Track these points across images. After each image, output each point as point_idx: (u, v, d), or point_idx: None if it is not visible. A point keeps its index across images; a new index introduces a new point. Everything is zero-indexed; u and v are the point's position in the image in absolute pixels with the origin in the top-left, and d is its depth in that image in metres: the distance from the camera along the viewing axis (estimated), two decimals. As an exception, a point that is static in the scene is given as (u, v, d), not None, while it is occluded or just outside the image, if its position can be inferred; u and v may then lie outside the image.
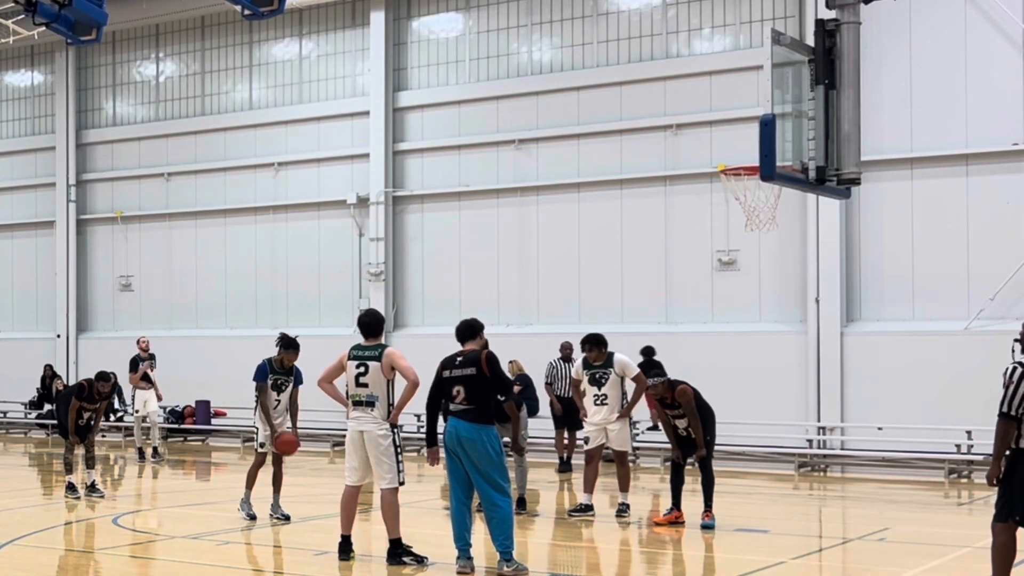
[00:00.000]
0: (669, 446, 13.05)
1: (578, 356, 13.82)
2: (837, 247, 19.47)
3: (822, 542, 12.90)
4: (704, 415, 12.37)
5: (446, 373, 9.86)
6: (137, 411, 20.29)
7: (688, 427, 12.36)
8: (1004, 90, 18.58)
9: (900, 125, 19.17)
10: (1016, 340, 8.33)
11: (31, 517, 13.69)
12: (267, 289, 25.36)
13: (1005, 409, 7.81)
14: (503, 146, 22.76)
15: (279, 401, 12.89)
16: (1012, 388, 7.79)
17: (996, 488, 7.99)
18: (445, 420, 9.89)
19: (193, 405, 24.74)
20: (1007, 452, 7.89)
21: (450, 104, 23.39)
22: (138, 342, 20.81)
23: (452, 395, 9.77)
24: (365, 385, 10.05)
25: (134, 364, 20.31)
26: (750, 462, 19.26)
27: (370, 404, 10.03)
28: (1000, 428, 7.86)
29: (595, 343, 12.92)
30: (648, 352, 19.03)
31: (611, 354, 12.93)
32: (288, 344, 12.78)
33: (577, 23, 22.17)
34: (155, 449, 20.19)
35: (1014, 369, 7.86)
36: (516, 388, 14.14)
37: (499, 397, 10.32)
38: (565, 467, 18.36)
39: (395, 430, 10.08)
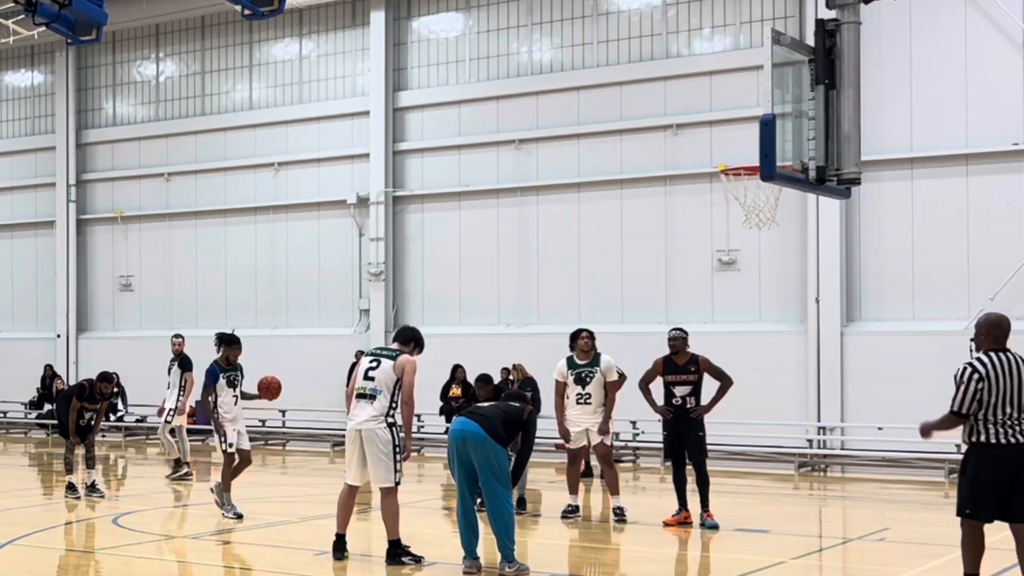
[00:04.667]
0: (665, 447, 12.98)
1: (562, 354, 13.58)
2: (837, 247, 19.47)
3: (822, 542, 12.90)
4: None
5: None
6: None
7: (688, 395, 12.35)
8: (1004, 90, 18.58)
9: (900, 125, 19.16)
10: (971, 340, 8.36)
11: (31, 517, 13.68)
12: (267, 289, 25.36)
13: (955, 408, 7.96)
14: (503, 146, 22.77)
15: (236, 397, 13.22)
16: (963, 388, 7.86)
17: (925, 438, 8.32)
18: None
19: (193, 405, 24.68)
20: (965, 445, 8.04)
21: (450, 104, 23.39)
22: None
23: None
24: (372, 379, 10.06)
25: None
26: (750, 462, 19.27)
27: (372, 397, 10.02)
28: (946, 421, 8.09)
29: (591, 335, 12.87)
30: None
31: (598, 354, 12.86)
32: (230, 341, 13.27)
33: (577, 23, 22.17)
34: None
35: (964, 369, 7.94)
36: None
37: (515, 404, 10.22)
38: (586, 472, 17.87)
39: (394, 428, 10.05)
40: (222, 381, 13.09)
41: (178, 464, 17.18)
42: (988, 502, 7.89)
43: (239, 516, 12.81)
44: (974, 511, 7.96)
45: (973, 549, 8.06)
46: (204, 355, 24.16)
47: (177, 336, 17.65)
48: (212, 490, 13.13)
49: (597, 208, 21.84)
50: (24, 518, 13.41)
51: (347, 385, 10.64)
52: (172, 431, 17.30)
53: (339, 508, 10.30)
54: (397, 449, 10.01)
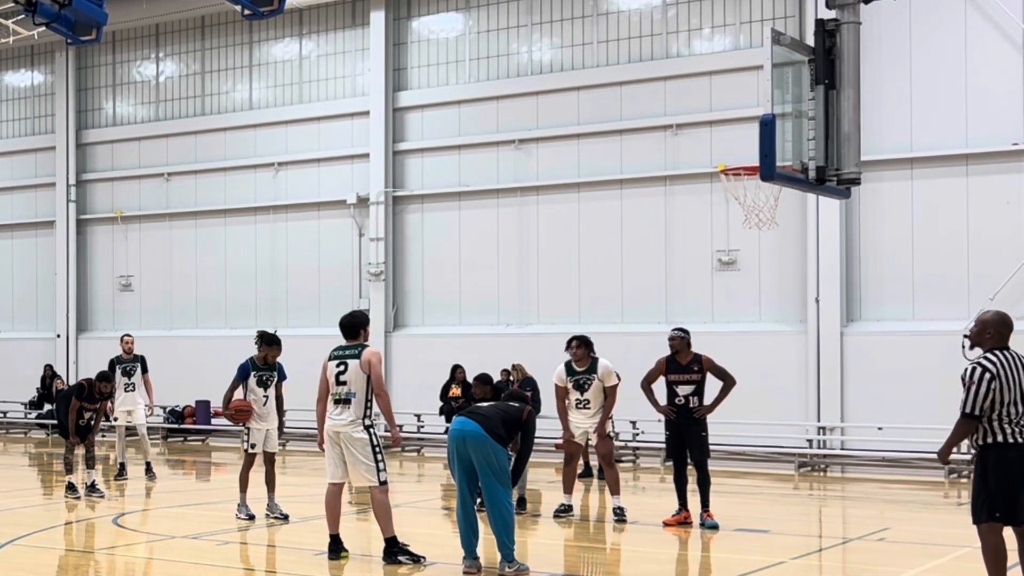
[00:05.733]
0: (667, 446, 12.99)
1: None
2: (837, 247, 19.47)
3: (822, 542, 12.89)
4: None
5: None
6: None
7: (691, 395, 12.35)
8: (1004, 90, 18.58)
9: (900, 125, 19.16)
10: (965, 336, 8.25)
11: (31, 517, 13.68)
12: (267, 289, 25.36)
13: (968, 410, 7.67)
14: (503, 146, 22.77)
15: (267, 397, 12.83)
16: (974, 388, 7.69)
17: (947, 463, 7.91)
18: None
19: (193, 405, 24.74)
20: (975, 449, 7.83)
21: (450, 104, 23.39)
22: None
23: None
24: (344, 383, 10.10)
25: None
26: (750, 462, 19.26)
27: (347, 402, 10.06)
28: (961, 427, 7.76)
29: (584, 343, 12.73)
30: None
31: (595, 359, 12.75)
32: (270, 341, 12.85)
33: (577, 23, 22.17)
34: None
35: (974, 369, 7.73)
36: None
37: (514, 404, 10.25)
38: (586, 472, 17.90)
39: (371, 430, 10.06)
40: (253, 380, 12.78)
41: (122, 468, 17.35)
42: (1016, 503, 7.69)
43: (251, 517, 12.71)
44: (1004, 515, 7.73)
45: (997, 555, 7.82)
46: (206, 355, 24.23)
47: (127, 335, 17.60)
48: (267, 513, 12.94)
49: (597, 208, 21.84)
50: (24, 518, 13.41)
51: (321, 400, 10.47)
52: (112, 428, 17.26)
53: (327, 510, 10.33)
54: (377, 449, 10.05)
